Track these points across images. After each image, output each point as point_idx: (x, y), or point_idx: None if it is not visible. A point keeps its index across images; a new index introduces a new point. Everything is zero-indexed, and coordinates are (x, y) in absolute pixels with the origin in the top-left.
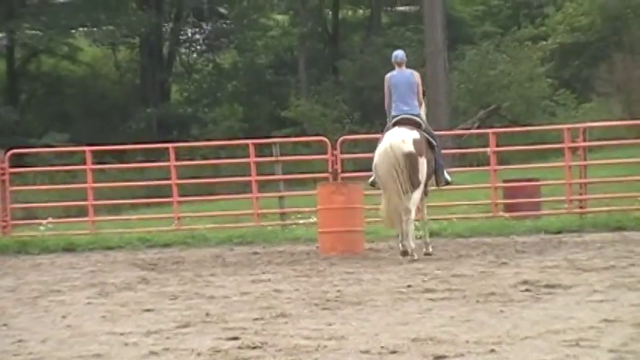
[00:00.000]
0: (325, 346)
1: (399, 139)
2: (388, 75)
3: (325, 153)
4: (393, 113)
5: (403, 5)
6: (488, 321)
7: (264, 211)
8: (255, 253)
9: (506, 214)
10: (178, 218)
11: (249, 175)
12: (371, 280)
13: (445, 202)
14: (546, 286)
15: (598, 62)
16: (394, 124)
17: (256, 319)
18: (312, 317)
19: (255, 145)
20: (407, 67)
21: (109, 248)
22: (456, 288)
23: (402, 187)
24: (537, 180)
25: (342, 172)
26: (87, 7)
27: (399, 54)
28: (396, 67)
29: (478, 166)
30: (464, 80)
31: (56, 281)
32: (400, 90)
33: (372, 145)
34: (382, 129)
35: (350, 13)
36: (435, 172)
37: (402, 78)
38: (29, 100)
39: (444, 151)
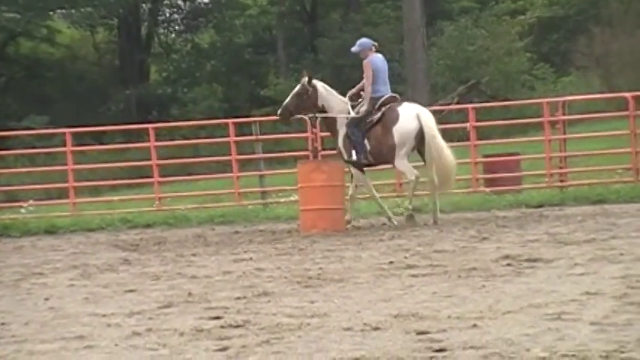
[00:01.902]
0: (308, 324)
1: (423, 111)
2: (371, 59)
3: (305, 131)
4: (379, 94)
5: None
6: (470, 296)
7: (245, 190)
8: (237, 232)
9: (487, 189)
10: (159, 199)
11: (230, 155)
12: (352, 257)
13: (426, 178)
14: (528, 260)
15: (577, 36)
16: (389, 102)
17: (238, 297)
18: (295, 295)
19: (235, 124)
20: (379, 44)
21: (91, 230)
22: (438, 264)
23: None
24: (517, 154)
25: (323, 149)
26: None
27: (370, 41)
28: (373, 53)
29: (458, 141)
30: (442, 56)
31: (38, 264)
32: (381, 73)
33: None
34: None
35: None
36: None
37: (381, 62)
38: (8, 83)
39: None
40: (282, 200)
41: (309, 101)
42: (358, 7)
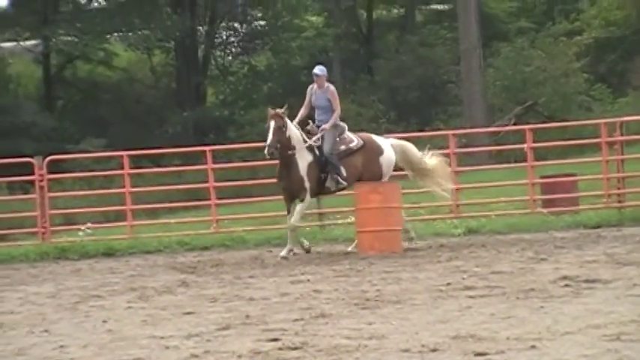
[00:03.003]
0: (366, 346)
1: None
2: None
3: None
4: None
5: (437, 3)
6: (528, 317)
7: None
8: (294, 253)
9: (545, 210)
10: (216, 221)
11: None
12: (410, 278)
13: (483, 199)
14: (586, 280)
15: (634, 56)
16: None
17: (296, 319)
18: (352, 317)
19: None
20: (435, 65)
21: (148, 252)
22: (496, 285)
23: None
24: (575, 175)
25: None
26: (121, 11)
27: None
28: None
29: (515, 162)
30: (499, 77)
31: (96, 286)
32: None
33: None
34: (417, 128)
35: (384, 12)
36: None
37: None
38: (66, 106)
39: (481, 148)
40: (339, 222)
41: (285, 133)
42: (414, 29)
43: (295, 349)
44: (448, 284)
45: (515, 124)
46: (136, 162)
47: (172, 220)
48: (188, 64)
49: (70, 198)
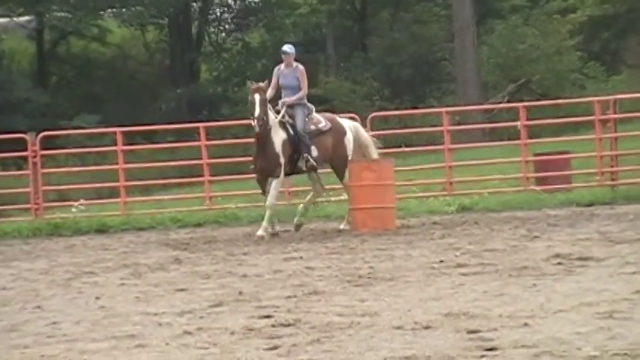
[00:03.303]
0: (358, 323)
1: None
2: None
3: None
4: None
5: None
6: (521, 295)
7: (296, 189)
8: (287, 231)
9: (538, 188)
10: (210, 198)
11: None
12: (403, 256)
13: (476, 177)
14: (579, 258)
15: (627, 34)
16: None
17: (289, 296)
18: (345, 294)
19: None
20: (428, 42)
21: (141, 229)
22: (489, 262)
23: None
24: (568, 153)
25: None
26: None
27: None
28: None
29: (509, 140)
30: (493, 55)
31: (89, 263)
32: None
33: (402, 121)
34: (411, 105)
35: None
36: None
37: None
38: (59, 83)
39: (475, 126)
40: (332, 199)
41: (267, 107)
42: (408, 6)
43: (288, 325)
44: (441, 262)
45: (508, 102)
46: (130, 138)
47: (165, 197)
48: (182, 41)
49: (63, 174)
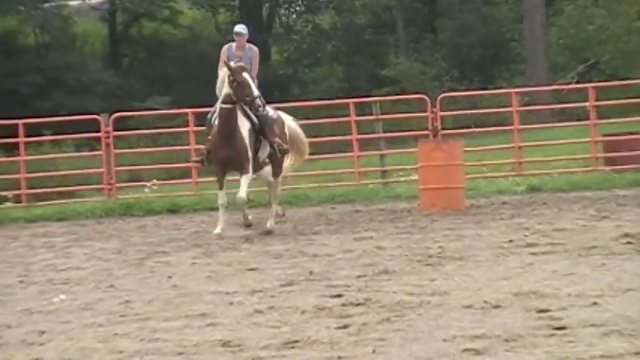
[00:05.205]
0: (428, 302)
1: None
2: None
3: (425, 111)
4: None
5: None
6: (590, 274)
7: (365, 169)
8: (357, 211)
9: (607, 168)
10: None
11: (350, 134)
12: (472, 235)
13: (545, 157)
14: None
15: None
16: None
17: (359, 276)
18: (415, 273)
19: (355, 104)
20: (498, 23)
21: (213, 209)
22: (558, 242)
23: None
24: (638, 133)
25: (442, 129)
26: None
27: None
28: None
29: (578, 120)
30: (562, 36)
31: (161, 242)
32: None
33: (471, 102)
34: (480, 86)
35: None
36: None
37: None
38: (131, 64)
39: (544, 107)
40: (402, 179)
41: None
42: None
43: (358, 305)
44: (510, 241)
45: (577, 83)
46: (201, 119)
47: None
48: (253, 22)
49: (136, 155)
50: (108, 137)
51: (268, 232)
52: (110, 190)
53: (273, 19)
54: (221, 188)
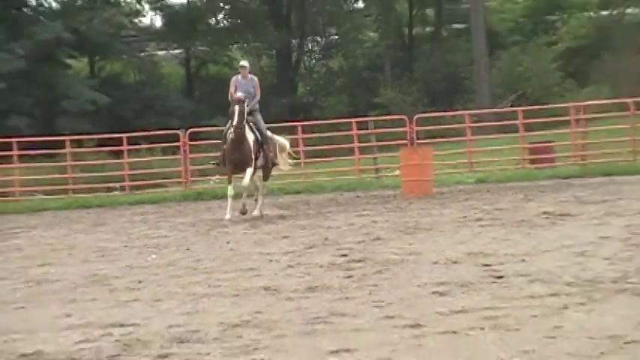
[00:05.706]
0: (407, 259)
1: None
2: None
3: (405, 126)
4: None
5: (457, 23)
6: (520, 240)
7: (364, 167)
8: (358, 196)
9: (531, 166)
10: (305, 174)
11: (353, 143)
12: (438, 213)
13: (489, 159)
14: (560, 214)
15: (593, 60)
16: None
17: (359, 241)
18: (398, 239)
19: (356, 122)
20: (456, 66)
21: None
22: (497, 217)
23: None
24: (551, 142)
25: (417, 139)
26: (239, 29)
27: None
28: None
29: (511, 133)
30: (500, 74)
31: (222, 219)
32: None
33: (439, 120)
34: (443, 109)
35: (420, 30)
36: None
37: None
38: (201, 95)
39: (488, 123)
40: (389, 174)
41: (245, 115)
42: (442, 41)
43: (359, 261)
44: (464, 217)
45: (511, 107)
46: None
47: (274, 173)
48: (285, 66)
49: (205, 158)
50: (185, 146)
51: (257, 218)
52: (186, 182)
53: (299, 63)
54: (230, 183)
